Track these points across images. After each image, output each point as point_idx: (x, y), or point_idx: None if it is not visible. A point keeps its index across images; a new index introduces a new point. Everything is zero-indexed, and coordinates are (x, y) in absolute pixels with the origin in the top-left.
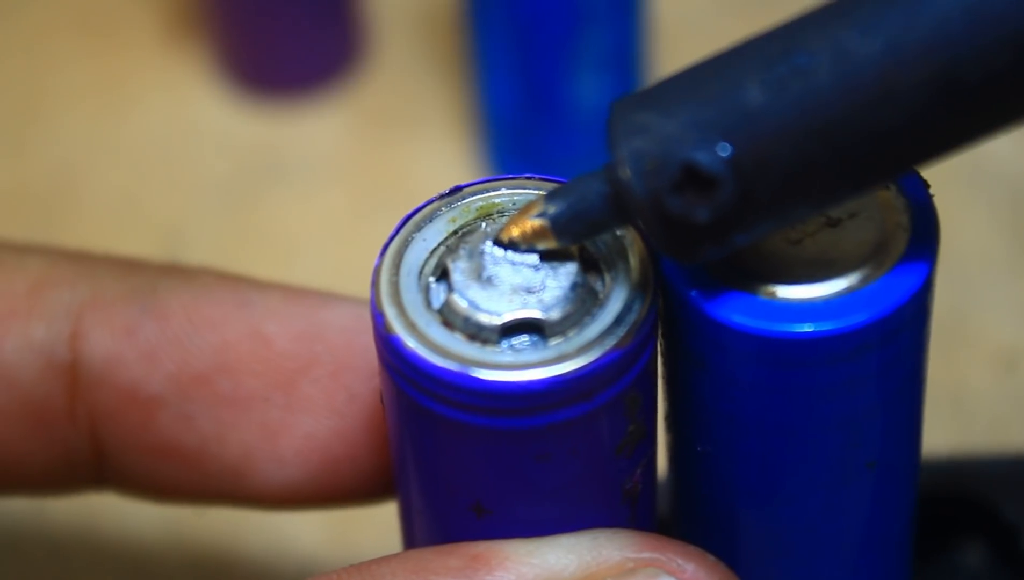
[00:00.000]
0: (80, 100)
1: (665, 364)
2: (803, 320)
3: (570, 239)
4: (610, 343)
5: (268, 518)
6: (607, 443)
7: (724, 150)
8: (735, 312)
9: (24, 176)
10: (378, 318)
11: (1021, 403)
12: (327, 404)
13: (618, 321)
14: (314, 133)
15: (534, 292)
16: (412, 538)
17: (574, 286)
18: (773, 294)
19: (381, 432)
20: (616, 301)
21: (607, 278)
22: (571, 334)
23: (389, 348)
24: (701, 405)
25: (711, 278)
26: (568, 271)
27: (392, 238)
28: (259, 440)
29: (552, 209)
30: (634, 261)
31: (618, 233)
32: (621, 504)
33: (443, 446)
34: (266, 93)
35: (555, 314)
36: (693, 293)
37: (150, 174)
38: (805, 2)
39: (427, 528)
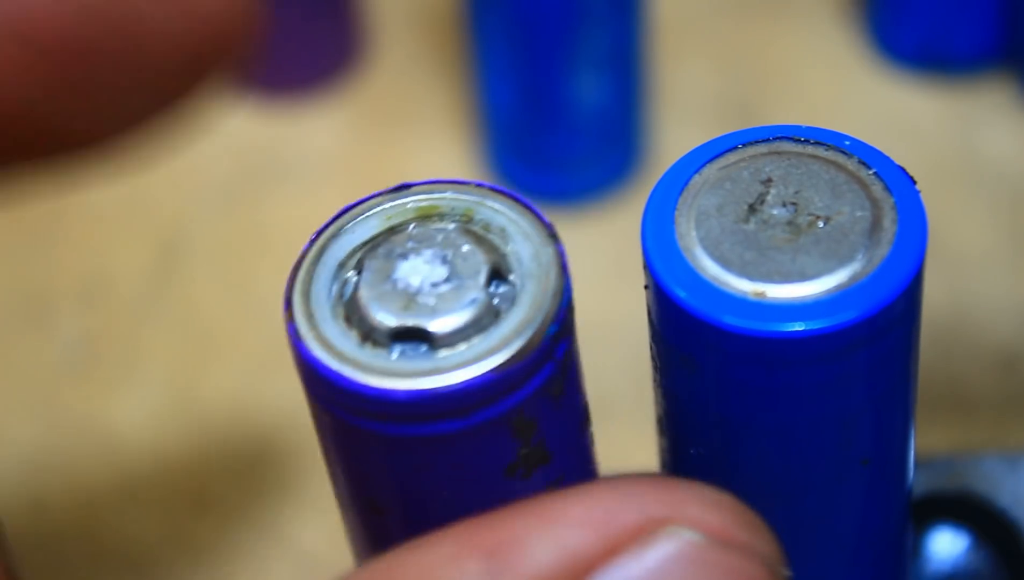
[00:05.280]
0: None
1: (656, 367)
2: (794, 319)
3: None
4: (491, 364)
5: (268, 517)
6: (494, 463)
7: None
8: (725, 313)
9: None
10: (285, 304)
11: (1021, 403)
12: None
13: (505, 343)
14: (314, 132)
15: (431, 301)
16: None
17: (473, 301)
18: (763, 294)
19: None
20: (510, 323)
21: (516, 299)
22: (460, 348)
23: (289, 333)
24: (693, 407)
25: (700, 279)
26: (473, 285)
27: (326, 226)
28: None
29: None
30: (545, 285)
31: (540, 254)
32: None
33: (335, 439)
34: (266, 93)
35: (443, 326)
36: (682, 294)
37: (150, 174)
38: (803, 4)
39: (346, 517)
